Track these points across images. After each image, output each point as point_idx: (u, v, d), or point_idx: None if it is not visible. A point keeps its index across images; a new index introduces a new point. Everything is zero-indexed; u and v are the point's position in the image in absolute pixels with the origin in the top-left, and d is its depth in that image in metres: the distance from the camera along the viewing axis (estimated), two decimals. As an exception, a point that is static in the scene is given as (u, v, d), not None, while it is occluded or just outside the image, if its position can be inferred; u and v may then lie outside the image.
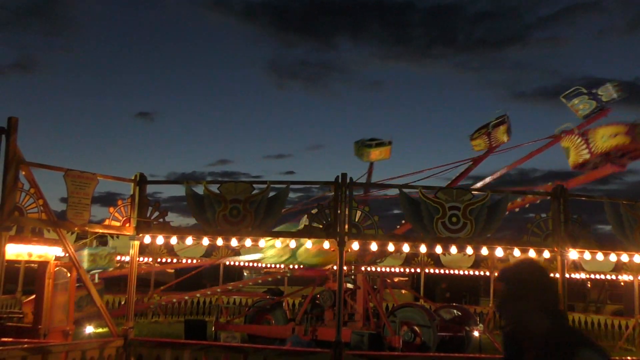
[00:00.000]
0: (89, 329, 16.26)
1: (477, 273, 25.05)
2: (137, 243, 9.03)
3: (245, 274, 33.51)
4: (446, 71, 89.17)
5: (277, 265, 26.04)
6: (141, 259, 22.09)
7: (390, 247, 9.05)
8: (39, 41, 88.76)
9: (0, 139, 7.51)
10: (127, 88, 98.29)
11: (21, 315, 16.10)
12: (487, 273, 23.35)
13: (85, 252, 12.70)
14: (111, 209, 8.95)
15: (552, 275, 2.87)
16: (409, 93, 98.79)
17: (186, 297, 20.83)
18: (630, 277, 19.95)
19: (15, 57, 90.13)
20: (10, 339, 8.02)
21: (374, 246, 9.00)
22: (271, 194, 8.80)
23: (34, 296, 11.61)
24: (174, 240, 9.18)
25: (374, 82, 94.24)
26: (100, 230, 9.30)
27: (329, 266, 16.07)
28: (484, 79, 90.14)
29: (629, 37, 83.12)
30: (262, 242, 8.96)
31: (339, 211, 8.52)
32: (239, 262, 25.66)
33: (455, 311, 17.01)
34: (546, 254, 9.10)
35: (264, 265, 27.09)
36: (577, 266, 19.68)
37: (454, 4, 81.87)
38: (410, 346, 14.55)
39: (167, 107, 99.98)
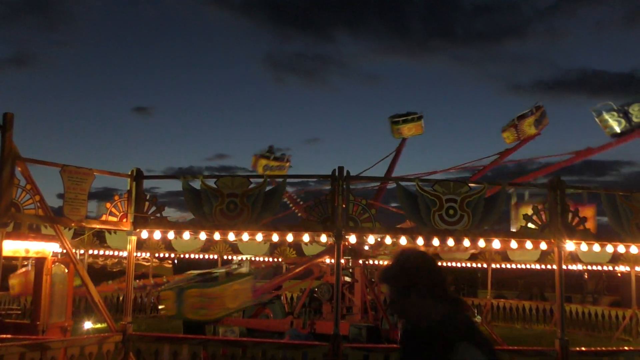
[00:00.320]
0: (88, 325, 16.30)
1: (474, 265, 25.11)
2: (134, 238, 9.02)
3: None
4: (444, 64, 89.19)
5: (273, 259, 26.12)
6: (139, 254, 22.11)
7: (388, 240, 9.05)
8: (36, 36, 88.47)
9: (-5, 135, 7.49)
10: (124, 83, 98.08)
11: (19, 312, 16.12)
12: (485, 265, 23.39)
13: None
14: (108, 205, 8.94)
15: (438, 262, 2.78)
16: (406, 86, 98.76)
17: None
18: (627, 268, 20.00)
19: (12, 52, 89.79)
20: (8, 336, 8.01)
21: (371, 239, 9.01)
22: (268, 188, 8.79)
23: (23, 269, 11.63)
24: (171, 235, 9.17)
25: (372, 75, 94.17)
26: (98, 226, 9.29)
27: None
28: (482, 72, 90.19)
29: (627, 29, 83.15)
30: (259, 236, 8.96)
31: (336, 204, 8.52)
32: (236, 256, 25.65)
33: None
34: (543, 246, 9.12)
35: (260, 259, 27.12)
36: (574, 257, 19.71)
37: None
38: (408, 339, 14.56)
39: (165, 102, 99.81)
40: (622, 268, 21.25)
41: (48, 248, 8.89)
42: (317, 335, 14.42)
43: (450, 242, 8.70)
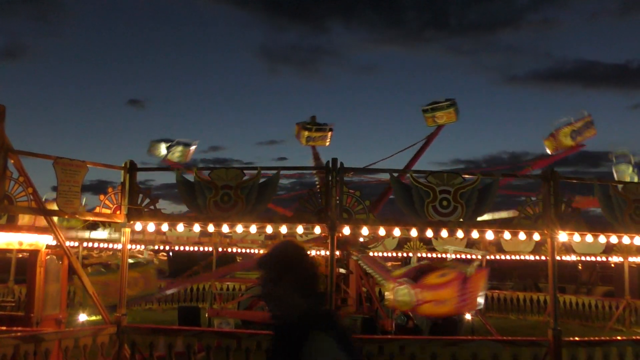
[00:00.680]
0: (83, 317, 16.30)
1: (470, 257, 25.16)
2: (128, 230, 9.01)
3: (238, 260, 33.51)
4: (439, 55, 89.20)
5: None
6: (133, 246, 22.07)
7: (381, 232, 9.07)
8: (27, 27, 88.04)
9: (-12, 127, 7.46)
10: (118, 75, 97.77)
11: (14, 304, 16.11)
12: (479, 257, 23.46)
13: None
14: (102, 197, 8.93)
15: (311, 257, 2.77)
16: (401, 77, 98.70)
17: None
18: (621, 259, 20.11)
19: (3, 43, 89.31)
20: (3, 328, 8.01)
21: (365, 231, 9.03)
22: (262, 179, 8.79)
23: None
24: (165, 227, 9.17)
25: (367, 66, 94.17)
26: (91, 218, 9.28)
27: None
28: (476, 62, 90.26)
29: (621, 20, 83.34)
30: (253, 228, 8.97)
31: (330, 196, 8.52)
32: (233, 249, 25.72)
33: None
34: (536, 236, 9.15)
35: (256, 251, 27.14)
36: (567, 248, 19.81)
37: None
38: (403, 329, 14.65)
39: (158, 94, 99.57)
40: (615, 259, 21.36)
41: (42, 240, 8.88)
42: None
43: (444, 233, 8.72)
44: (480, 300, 11.21)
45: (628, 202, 8.93)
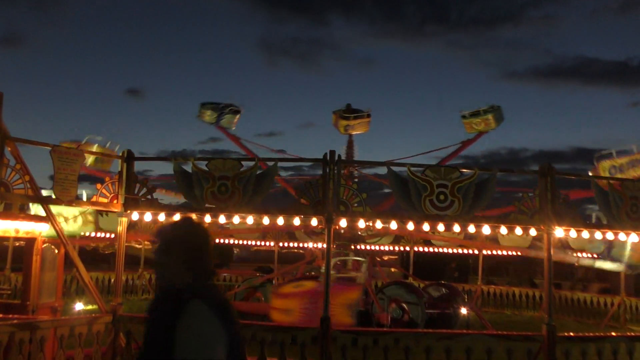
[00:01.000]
0: (79, 306, 16.32)
1: (466, 251, 25.26)
2: (125, 220, 9.01)
3: (235, 251, 33.61)
4: (438, 49, 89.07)
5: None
6: (131, 236, 22.09)
7: (378, 225, 9.07)
8: (26, 16, 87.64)
9: (-15, 114, 7.44)
10: (116, 65, 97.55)
11: (10, 292, 16.10)
12: (476, 251, 23.52)
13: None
14: (99, 186, 8.93)
15: (209, 236, 2.85)
16: (400, 71, 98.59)
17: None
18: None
19: (2, 32, 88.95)
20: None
21: (361, 223, 9.04)
22: (259, 171, 8.79)
23: None
24: (162, 217, 9.16)
25: (366, 59, 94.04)
26: (88, 207, 9.29)
27: None
28: (476, 57, 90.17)
29: (621, 17, 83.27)
30: (250, 219, 8.96)
31: (327, 188, 8.52)
32: (230, 240, 25.75)
33: (443, 289, 17.16)
34: (533, 232, 9.17)
35: (253, 243, 27.20)
36: (564, 245, 19.84)
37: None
38: (398, 323, 14.67)
39: (157, 84, 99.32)
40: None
41: (38, 228, 8.87)
42: (308, 318, 14.51)
43: (441, 227, 8.73)
44: (350, 314, 11.66)
45: (625, 199, 8.95)
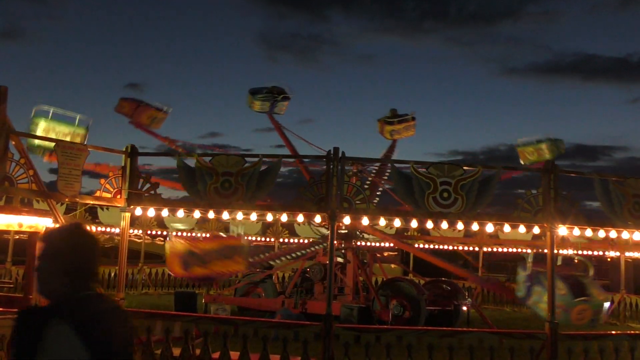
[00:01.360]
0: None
1: (466, 248, 25.26)
2: (128, 215, 9.01)
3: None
4: (438, 45, 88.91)
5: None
6: (131, 230, 22.12)
7: (382, 222, 9.08)
8: (25, 9, 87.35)
9: (-11, 108, 7.43)
10: (117, 59, 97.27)
11: (12, 285, 16.11)
12: (477, 248, 23.54)
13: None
14: (102, 181, 8.92)
15: (96, 245, 2.68)
16: (400, 67, 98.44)
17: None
18: (617, 253, 20.18)
19: (1, 25, 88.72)
20: (1, 309, 8.01)
21: (365, 221, 9.04)
22: (262, 167, 8.77)
23: None
24: (165, 212, 9.16)
25: (366, 55, 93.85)
26: (91, 202, 9.28)
27: None
28: (475, 53, 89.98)
29: (621, 13, 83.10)
30: (254, 216, 8.97)
31: (330, 185, 8.51)
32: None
33: (444, 286, 17.17)
34: (536, 230, 9.17)
35: (252, 238, 27.19)
36: (565, 242, 19.86)
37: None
38: (399, 320, 14.69)
39: (157, 78, 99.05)
40: (612, 253, 21.44)
41: (41, 223, 8.86)
42: (309, 315, 14.52)
43: (444, 224, 8.73)
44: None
45: (627, 197, 8.95)
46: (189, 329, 8.61)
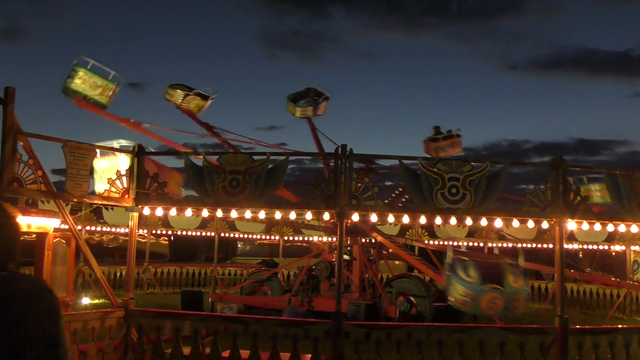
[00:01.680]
0: (85, 300, 16.36)
1: (470, 244, 25.23)
2: (136, 214, 9.01)
3: (239, 245, 33.61)
4: (439, 41, 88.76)
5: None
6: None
7: (390, 219, 9.06)
8: (25, 8, 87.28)
9: (-3, 109, 7.44)
10: (117, 58, 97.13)
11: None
12: (482, 244, 23.53)
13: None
14: (110, 180, 8.91)
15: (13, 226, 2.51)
16: (401, 63, 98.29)
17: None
18: (623, 247, 20.16)
19: (1, 25, 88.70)
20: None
21: (373, 217, 9.01)
22: (270, 165, 8.76)
23: None
24: (173, 212, 9.16)
25: (367, 52, 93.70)
26: (99, 202, 9.29)
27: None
28: (477, 49, 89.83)
29: (623, 7, 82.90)
30: (262, 214, 8.96)
31: (338, 182, 8.50)
32: (233, 234, 25.76)
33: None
34: (545, 225, 9.16)
35: (257, 236, 27.22)
36: (570, 236, 19.85)
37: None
38: (406, 316, 14.69)
39: (158, 77, 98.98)
40: (617, 247, 21.43)
41: (50, 223, 8.86)
42: (315, 312, 14.54)
43: (453, 220, 8.72)
44: None
45: (636, 191, 8.93)
46: (198, 327, 8.62)
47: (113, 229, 23.46)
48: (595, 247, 22.45)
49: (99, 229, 23.31)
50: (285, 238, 25.72)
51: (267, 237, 26.72)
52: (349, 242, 15.95)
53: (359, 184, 8.67)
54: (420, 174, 8.54)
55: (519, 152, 74.75)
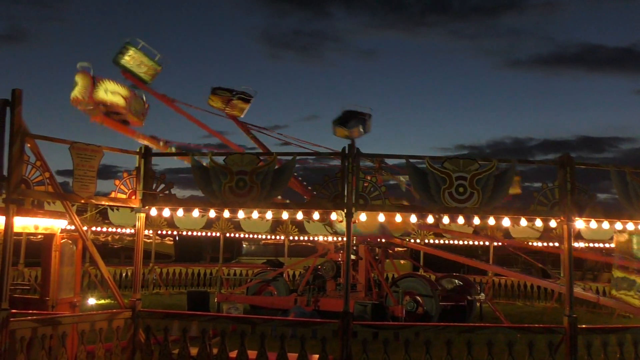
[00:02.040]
0: (91, 300, 16.40)
1: (475, 243, 25.23)
2: (143, 215, 9.01)
3: (244, 245, 33.63)
4: (440, 39, 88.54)
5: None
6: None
7: (398, 218, 9.04)
8: (27, 12, 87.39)
9: (5, 111, 7.44)
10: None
11: (28, 288, 16.18)
12: (487, 243, 23.49)
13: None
14: (117, 182, 8.92)
15: None
16: (403, 62, 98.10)
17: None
18: (629, 246, 20.05)
19: (4, 28, 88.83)
20: (23, 312, 8.04)
21: (381, 217, 9.00)
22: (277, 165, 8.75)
23: None
24: (180, 212, 9.16)
25: (368, 51, 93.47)
26: (106, 203, 9.30)
27: None
28: (479, 46, 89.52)
29: (625, 2, 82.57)
30: (269, 214, 8.94)
31: (346, 182, 8.48)
32: (238, 234, 25.80)
33: (456, 281, 17.15)
34: (553, 223, 9.13)
35: (262, 236, 27.25)
36: (575, 235, 19.80)
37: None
38: (412, 316, 14.68)
39: (160, 77, 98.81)
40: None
41: (57, 224, 8.90)
42: (321, 312, 14.54)
43: (461, 219, 8.70)
44: None
45: (644, 189, 8.88)
46: (206, 328, 8.62)
47: (119, 230, 23.52)
48: (601, 245, 22.38)
49: (104, 229, 23.36)
50: (291, 238, 25.74)
51: (273, 237, 26.75)
52: (354, 242, 15.94)
53: (366, 184, 8.66)
54: (427, 173, 8.52)
55: (523, 150, 74.61)
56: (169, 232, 25.18)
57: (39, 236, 9.93)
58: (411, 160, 8.68)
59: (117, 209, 21.38)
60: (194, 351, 8.46)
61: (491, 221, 8.85)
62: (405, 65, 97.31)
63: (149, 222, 22.14)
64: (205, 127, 15.50)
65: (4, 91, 7.55)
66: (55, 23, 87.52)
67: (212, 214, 9.29)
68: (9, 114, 7.47)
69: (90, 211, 20.98)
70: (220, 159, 8.78)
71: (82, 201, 8.46)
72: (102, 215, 21.96)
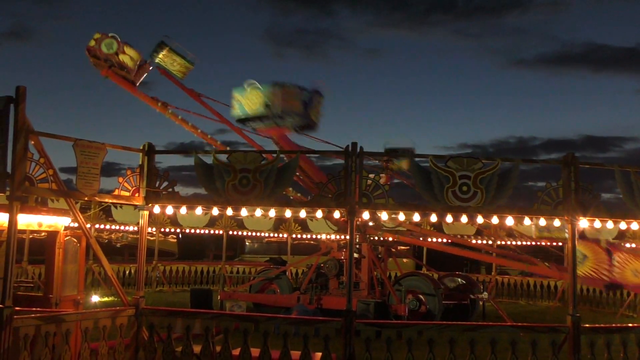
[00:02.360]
0: (95, 298, 16.43)
1: (477, 241, 25.17)
2: (146, 213, 9.01)
3: (247, 243, 33.65)
4: (445, 38, 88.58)
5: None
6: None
7: (401, 217, 9.03)
8: (31, 9, 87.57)
9: (8, 108, 7.43)
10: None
11: (32, 285, 16.21)
12: (490, 242, 23.45)
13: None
14: (120, 179, 8.92)
15: None
16: (407, 60, 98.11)
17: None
18: (633, 245, 20.05)
19: (9, 26, 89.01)
20: (26, 309, 8.05)
21: (384, 215, 8.99)
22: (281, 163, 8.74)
23: None
24: (183, 210, 9.16)
25: (372, 49, 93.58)
26: (110, 200, 9.31)
27: None
28: (483, 45, 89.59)
29: (630, 3, 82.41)
30: (272, 212, 8.95)
31: (349, 180, 8.47)
32: (241, 232, 25.82)
33: (459, 279, 17.14)
34: (557, 223, 9.11)
35: (265, 234, 27.25)
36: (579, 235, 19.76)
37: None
38: (415, 314, 14.68)
39: (162, 77, 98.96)
40: (627, 245, 21.30)
41: (60, 222, 8.89)
42: (324, 310, 14.55)
43: (464, 218, 8.68)
44: None
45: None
46: (209, 326, 8.62)
47: (122, 227, 23.56)
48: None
49: (108, 227, 23.41)
50: (294, 236, 25.75)
51: (275, 234, 26.75)
52: (357, 240, 15.93)
53: (369, 182, 8.64)
54: (430, 172, 8.51)
55: (527, 149, 74.60)
56: (172, 230, 25.19)
57: (43, 234, 9.94)
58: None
59: (121, 207, 21.41)
60: (197, 349, 8.47)
61: (494, 220, 8.81)
62: (409, 64, 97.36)
63: (152, 220, 22.16)
64: (226, 122, 16.69)
65: (8, 88, 7.58)
66: (60, 21, 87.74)
67: (215, 211, 9.25)
68: (13, 111, 7.46)
69: (93, 208, 21.01)
70: (223, 157, 8.78)
71: (86, 198, 8.45)
72: (106, 213, 21.99)
